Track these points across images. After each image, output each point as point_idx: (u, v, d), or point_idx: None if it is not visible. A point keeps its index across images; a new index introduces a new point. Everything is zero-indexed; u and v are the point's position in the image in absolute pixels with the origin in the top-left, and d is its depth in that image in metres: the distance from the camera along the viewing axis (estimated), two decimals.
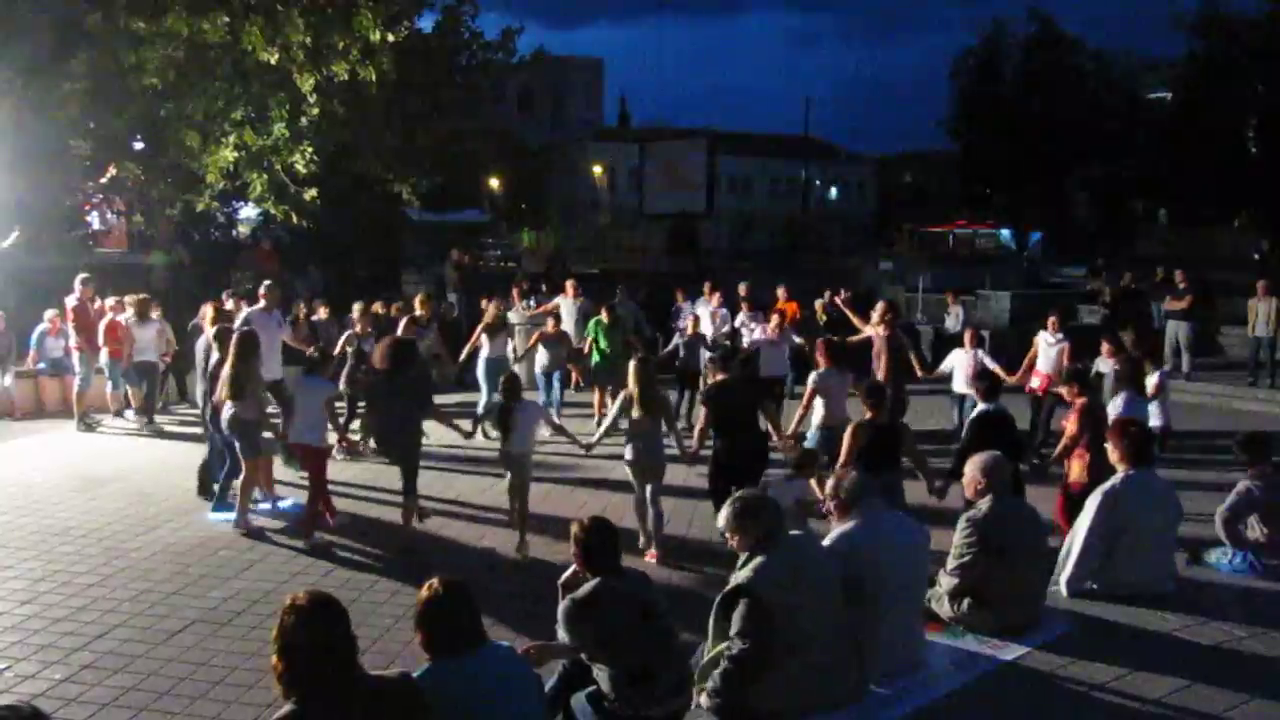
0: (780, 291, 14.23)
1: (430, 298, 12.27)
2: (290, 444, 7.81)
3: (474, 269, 23.80)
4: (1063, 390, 7.55)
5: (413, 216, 26.02)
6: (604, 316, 11.69)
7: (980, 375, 7.59)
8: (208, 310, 9.69)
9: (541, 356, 11.49)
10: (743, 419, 7.09)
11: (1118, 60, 42.23)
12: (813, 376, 7.86)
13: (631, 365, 7.14)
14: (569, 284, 13.73)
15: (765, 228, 59.76)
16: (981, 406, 7.12)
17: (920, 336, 16.36)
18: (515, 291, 15.46)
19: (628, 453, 7.05)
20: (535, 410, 7.34)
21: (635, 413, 6.94)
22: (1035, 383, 10.54)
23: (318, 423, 7.44)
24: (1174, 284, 15.43)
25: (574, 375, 13.22)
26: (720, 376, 7.30)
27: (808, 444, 7.55)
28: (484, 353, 11.06)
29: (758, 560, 3.99)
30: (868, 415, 6.71)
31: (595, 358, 11.71)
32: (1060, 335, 10.69)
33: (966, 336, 10.75)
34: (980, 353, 10.52)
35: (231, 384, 7.50)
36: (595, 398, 11.75)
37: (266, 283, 10.15)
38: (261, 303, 9.78)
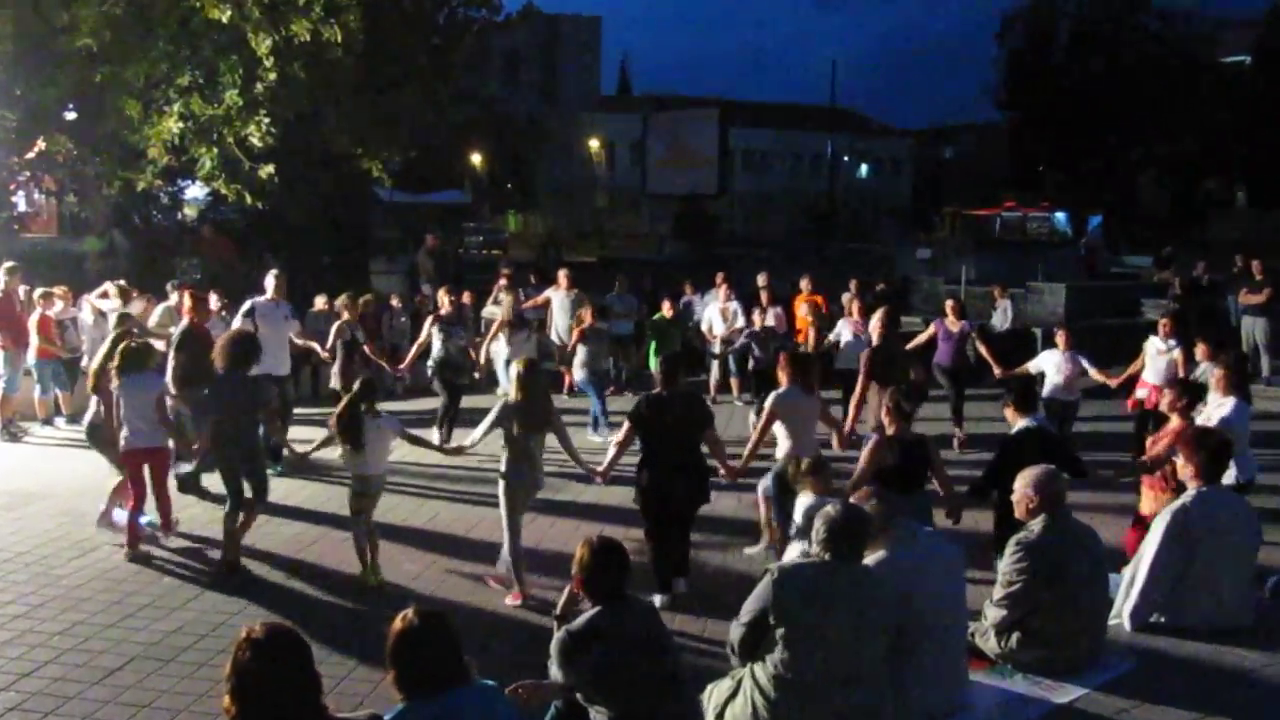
0: (803, 283, 14.24)
1: (456, 290, 12.27)
2: (127, 451, 7.71)
3: (452, 257, 23.89)
4: (1164, 403, 7.35)
5: (383, 197, 26.01)
6: (666, 311, 11.71)
7: (1016, 385, 7.28)
8: (185, 299, 9.74)
9: (582, 354, 11.38)
10: (675, 443, 6.74)
11: (1188, 18, 42.25)
12: (772, 397, 7.35)
13: (514, 370, 6.96)
14: (562, 274, 13.67)
15: (786, 210, 59.77)
16: (1021, 423, 6.87)
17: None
18: (500, 283, 15.46)
19: (507, 473, 6.79)
20: (389, 424, 7.12)
21: (516, 428, 6.71)
22: (1142, 394, 10.40)
23: (155, 423, 7.63)
24: (1251, 275, 15.42)
25: (567, 379, 13.25)
26: (659, 389, 6.94)
27: (765, 484, 7.32)
28: (503, 353, 10.99)
29: (800, 560, 4.20)
30: (891, 430, 6.62)
31: (652, 356, 11.69)
32: (1174, 341, 10.30)
33: (1060, 336, 10.70)
34: (1077, 354, 10.40)
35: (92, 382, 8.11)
36: None
37: (274, 271, 10.53)
38: (269, 291, 10.12)
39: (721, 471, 7.20)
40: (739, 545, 7.83)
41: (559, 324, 12.80)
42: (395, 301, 15.37)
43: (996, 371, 10.89)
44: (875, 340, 9.71)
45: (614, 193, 57.17)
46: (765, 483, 7.37)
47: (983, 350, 11.60)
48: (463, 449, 7.43)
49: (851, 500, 4.60)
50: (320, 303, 13.39)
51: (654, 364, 11.94)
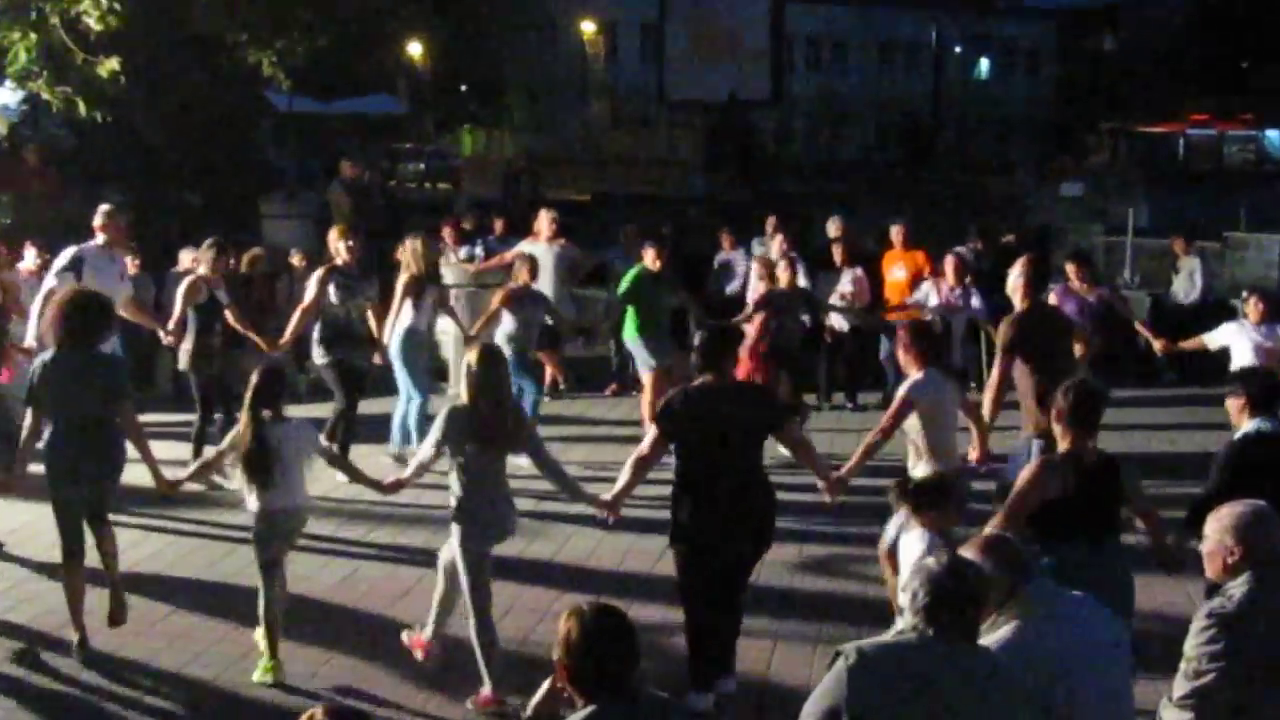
0: (894, 232, 14.19)
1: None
2: None
3: (380, 192, 23.90)
4: None
5: (280, 106, 26.08)
6: (651, 260, 11.67)
7: (1256, 374, 7.33)
8: None
9: (508, 326, 11.46)
10: (731, 457, 6.76)
11: None
12: (906, 385, 7.64)
13: (467, 360, 6.93)
14: (543, 218, 13.67)
15: (869, 126, 59.76)
16: (1249, 425, 6.95)
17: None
18: (448, 230, 15.46)
19: (460, 512, 6.81)
20: (304, 432, 7.20)
21: (471, 445, 6.75)
22: None
23: None
24: None
25: (550, 369, 13.25)
26: (701, 378, 6.88)
27: (892, 533, 7.28)
28: (403, 321, 10.98)
29: (888, 638, 4.23)
30: (1065, 443, 6.54)
31: (632, 329, 11.72)
32: None
33: (1252, 303, 10.68)
34: (1277, 327, 10.40)
35: None
36: (646, 394, 11.68)
37: (105, 207, 10.54)
38: (100, 237, 10.17)
39: (821, 485, 7.22)
40: (803, 621, 7.86)
41: (544, 286, 12.72)
42: (297, 259, 15.36)
43: (1157, 345, 10.85)
44: (1019, 303, 9.54)
45: (617, 99, 57.14)
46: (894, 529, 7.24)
47: (1136, 324, 11.59)
48: (401, 483, 7.32)
49: (967, 549, 4.56)
50: (187, 259, 13.41)
51: (632, 342, 11.88)
